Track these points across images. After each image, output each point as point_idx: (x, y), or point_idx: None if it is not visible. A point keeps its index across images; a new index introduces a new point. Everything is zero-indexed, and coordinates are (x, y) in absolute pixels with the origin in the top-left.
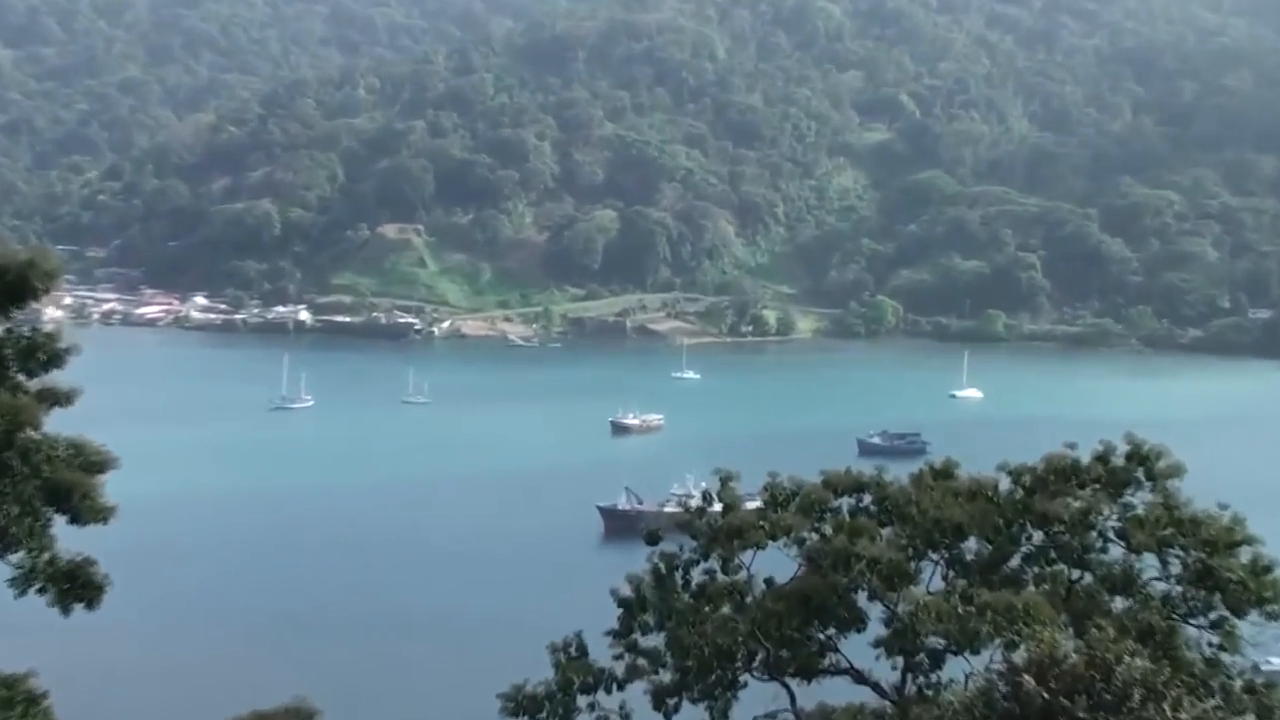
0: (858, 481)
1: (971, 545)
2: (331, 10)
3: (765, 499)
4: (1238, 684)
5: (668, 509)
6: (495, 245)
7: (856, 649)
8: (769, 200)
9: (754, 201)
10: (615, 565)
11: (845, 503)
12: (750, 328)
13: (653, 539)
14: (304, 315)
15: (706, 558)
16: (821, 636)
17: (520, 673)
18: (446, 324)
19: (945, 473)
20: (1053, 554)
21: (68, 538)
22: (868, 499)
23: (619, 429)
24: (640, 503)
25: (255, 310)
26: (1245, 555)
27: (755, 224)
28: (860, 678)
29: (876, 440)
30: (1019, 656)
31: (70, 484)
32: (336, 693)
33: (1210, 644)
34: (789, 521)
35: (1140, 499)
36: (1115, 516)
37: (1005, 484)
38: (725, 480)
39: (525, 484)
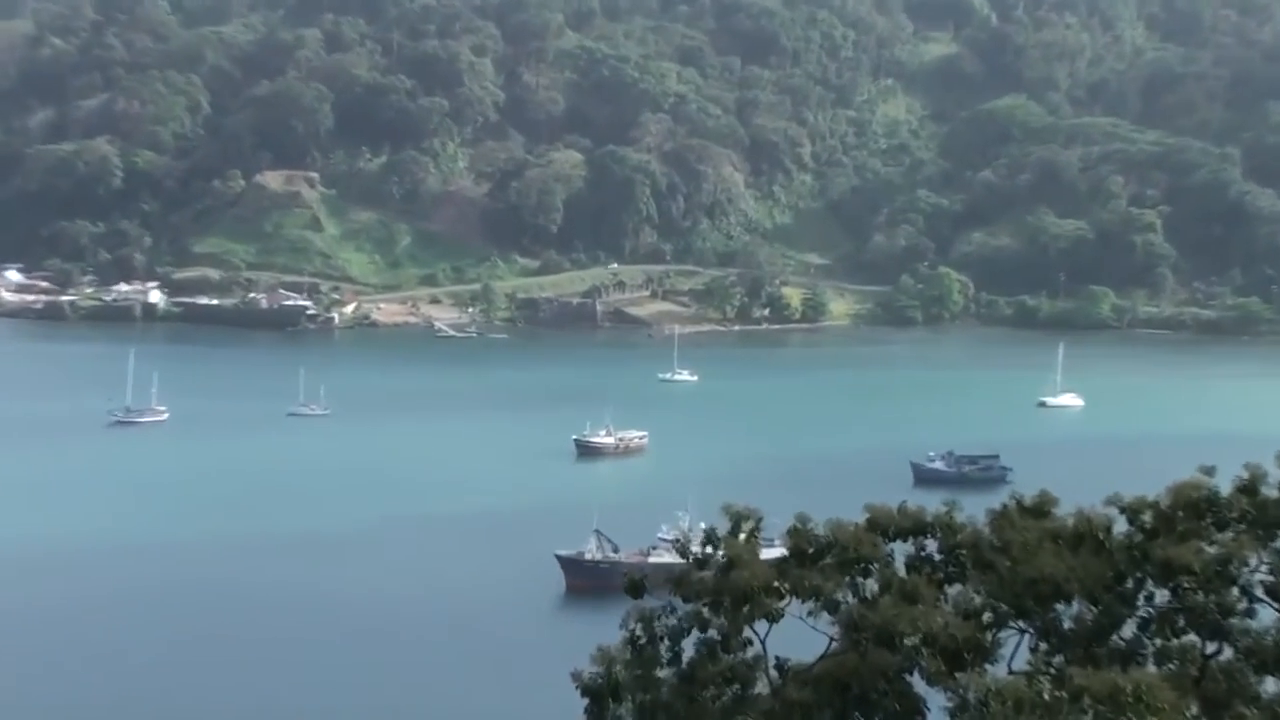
0: (915, 522)
1: (1070, 608)
2: None
3: (789, 547)
4: None
5: (653, 559)
6: (417, 200)
7: None
8: (791, 138)
9: (769, 140)
10: (581, 635)
11: (898, 552)
12: (766, 311)
13: (635, 589)
14: (155, 296)
15: (704, 627)
16: None
17: None
18: (351, 308)
19: (1037, 510)
20: (1180, 619)
21: None
22: (929, 546)
23: (587, 451)
24: (615, 550)
25: (89, 290)
26: None
27: (772, 170)
28: None
29: (939, 465)
30: None
31: None
32: None
33: None
34: (818, 580)
35: None
36: (1266, 567)
37: (1118, 525)
38: (738, 520)
39: (461, 528)
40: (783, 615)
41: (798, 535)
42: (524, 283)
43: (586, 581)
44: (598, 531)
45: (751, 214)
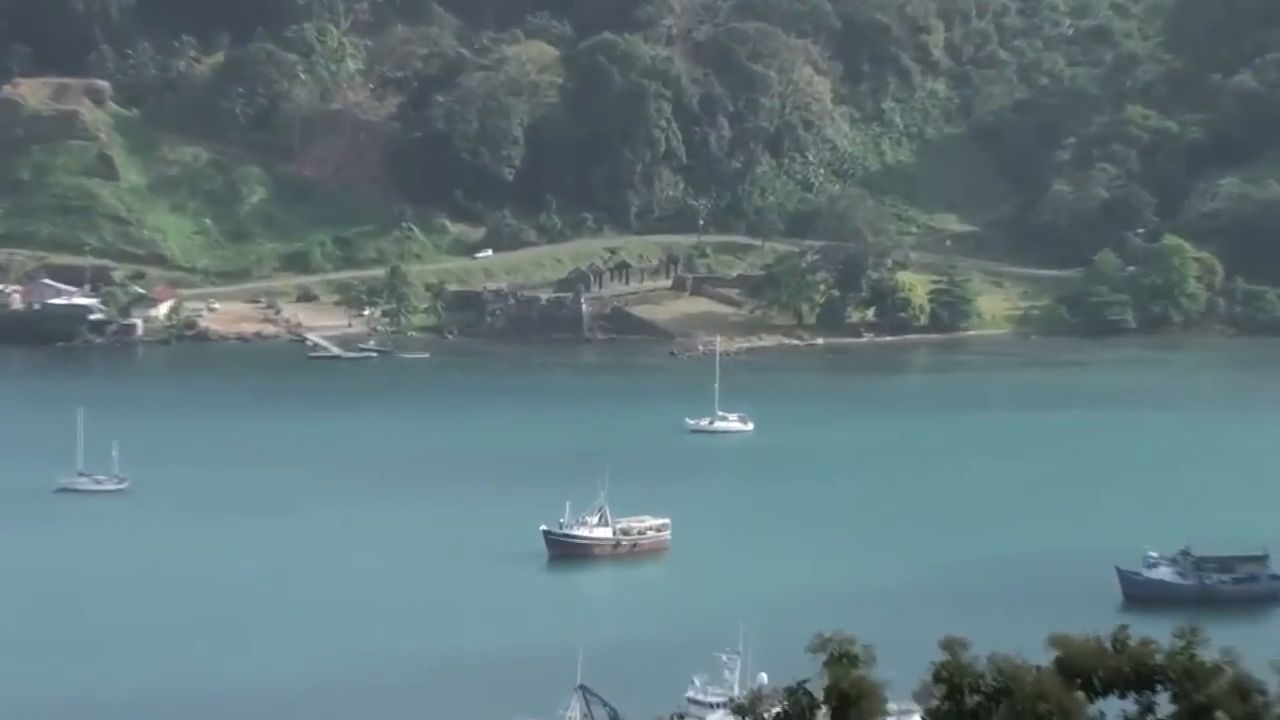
0: (1136, 665)
1: None
2: None
3: (934, 691)
4: None
5: None
6: (275, 127)
7: None
8: (910, 19)
9: (874, 22)
10: None
11: (1109, 715)
12: (869, 314)
13: None
14: None
15: None
16: None
17: None
18: (165, 309)
19: None
20: None
21: None
22: (1158, 703)
23: (565, 549)
24: (614, 718)
25: None
26: None
27: (880, 74)
28: None
29: (1166, 572)
30: None
31: None
32: None
33: None
34: None
35: None
36: None
37: None
38: (841, 660)
39: (349, 704)
40: None
41: (951, 670)
42: (458, 267)
43: None
44: (583, 689)
45: (845, 148)
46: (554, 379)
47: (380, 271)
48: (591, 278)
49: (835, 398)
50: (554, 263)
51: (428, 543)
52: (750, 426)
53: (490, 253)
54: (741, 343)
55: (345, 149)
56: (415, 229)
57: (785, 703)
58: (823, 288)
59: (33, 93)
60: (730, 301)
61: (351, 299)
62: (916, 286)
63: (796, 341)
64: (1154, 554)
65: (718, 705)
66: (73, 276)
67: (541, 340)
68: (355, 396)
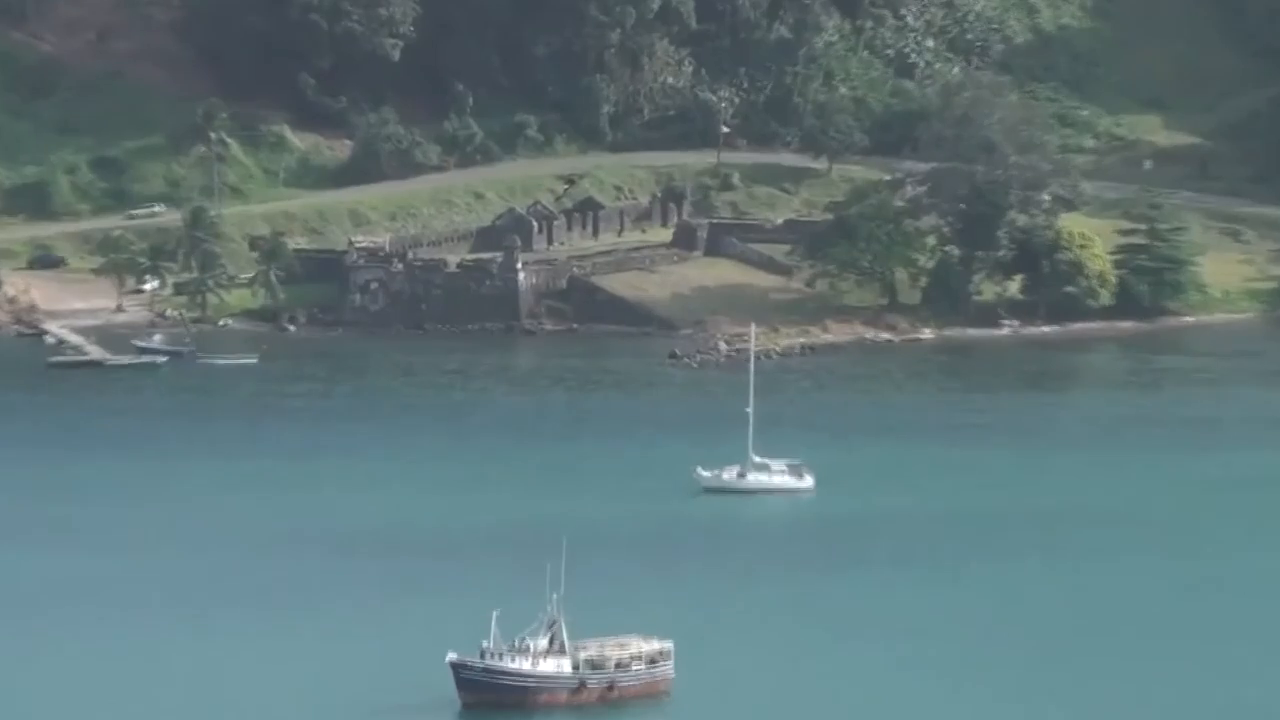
0: None
1: None
2: None
3: None
4: None
5: None
6: None
7: None
8: None
9: None
10: None
11: None
12: (1014, 286)
13: None
14: None
15: None
16: None
17: None
18: None
19: None
20: None
21: None
22: None
23: (489, 694)
24: None
25: None
26: None
27: None
28: None
29: None
30: None
31: None
32: None
33: None
34: None
35: None
36: None
37: None
38: None
39: None
40: None
41: None
42: (307, 207)
43: None
44: None
45: (971, 3)
46: (472, 400)
47: (172, 217)
48: (535, 226)
49: (954, 432)
50: (470, 201)
51: (245, 696)
52: (807, 482)
53: (362, 186)
54: (793, 337)
55: (114, 5)
56: (232, 143)
57: None
58: (933, 242)
59: None
60: (773, 267)
61: (123, 264)
62: (1094, 241)
63: (887, 335)
64: None
65: None
66: None
67: (450, 332)
68: (127, 433)
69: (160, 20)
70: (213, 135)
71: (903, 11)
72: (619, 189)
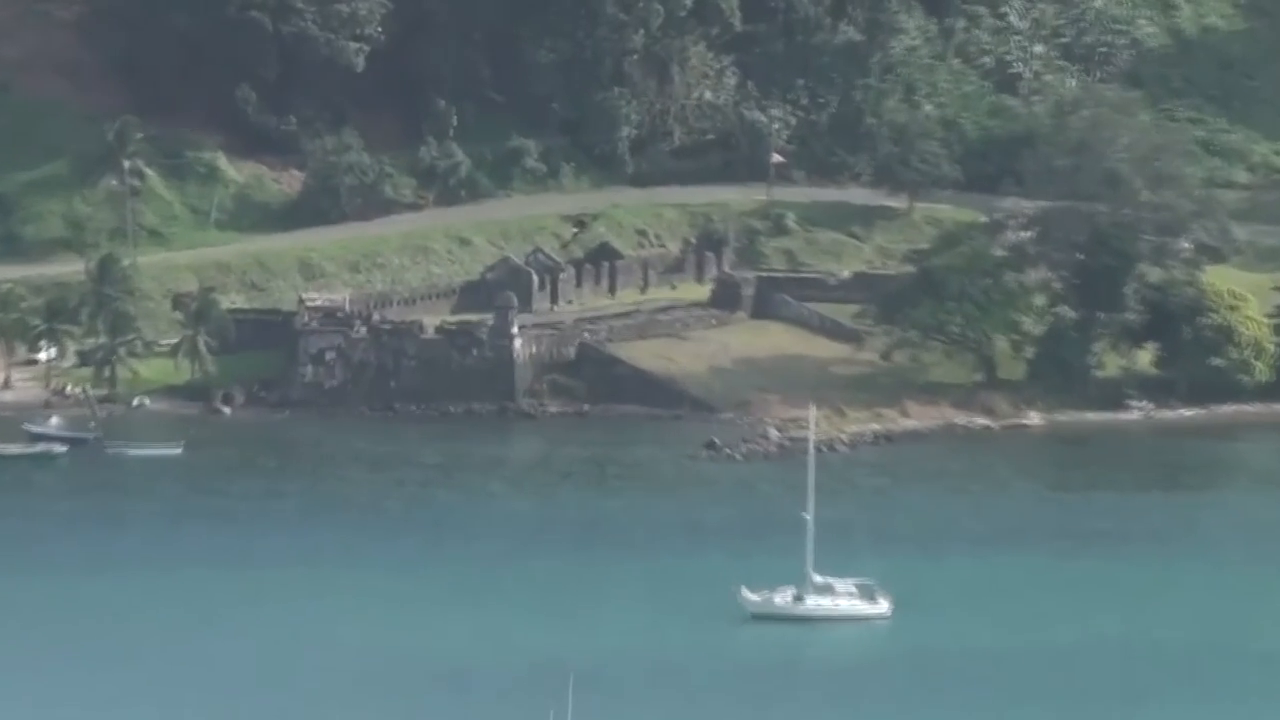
0: None
1: None
2: None
3: None
4: None
5: None
6: None
7: None
8: None
9: None
10: None
11: None
12: (1146, 358)
13: None
14: None
15: None
16: None
17: None
18: None
19: None
20: None
21: None
22: None
23: None
24: None
25: None
26: None
27: None
28: None
29: None
30: None
31: None
32: None
33: None
34: None
35: None
36: None
37: None
38: None
39: None
40: None
41: None
42: (244, 255)
43: None
44: None
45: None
46: (458, 502)
47: (74, 268)
48: (536, 280)
49: (1069, 542)
50: (453, 248)
51: None
52: (882, 607)
53: (316, 229)
54: (863, 423)
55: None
56: (151, 174)
57: None
58: (1042, 302)
59: None
60: (838, 333)
61: (11, 327)
62: (1248, 301)
63: (984, 420)
64: None
65: None
66: None
67: (428, 416)
68: (14, 542)
69: (60, 19)
70: (126, 163)
71: (1004, 9)
72: (642, 233)
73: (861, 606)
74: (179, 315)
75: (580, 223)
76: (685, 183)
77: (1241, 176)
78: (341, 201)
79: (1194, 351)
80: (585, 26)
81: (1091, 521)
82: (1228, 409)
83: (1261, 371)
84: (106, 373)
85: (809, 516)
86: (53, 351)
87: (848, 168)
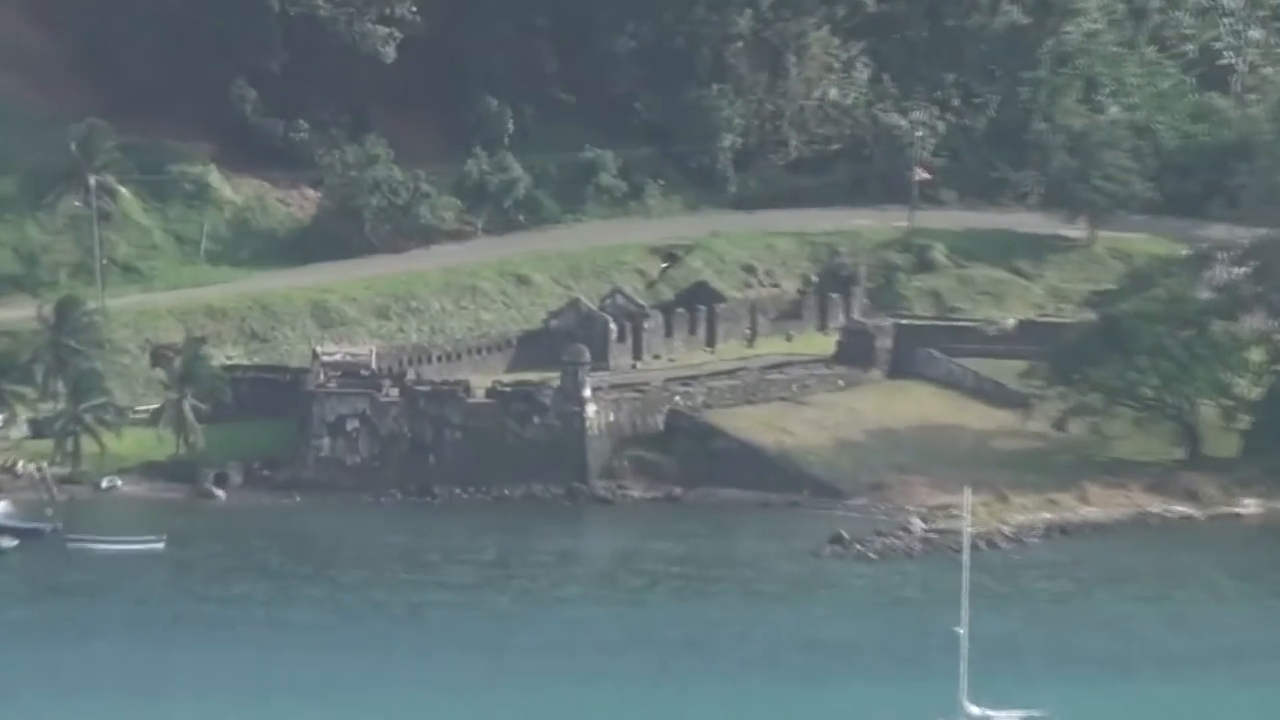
0: None
1: None
2: None
3: None
4: None
5: None
6: None
7: None
8: None
9: None
10: None
11: None
12: None
13: None
14: None
15: None
16: None
17: None
18: None
19: None
20: None
21: None
22: None
23: None
24: None
25: None
26: None
27: None
28: None
29: None
30: None
31: None
32: None
33: None
34: None
35: None
36: None
37: None
38: None
39: None
40: None
41: None
42: (243, 296)
43: None
44: None
45: None
46: (519, 610)
47: (25, 312)
48: (614, 330)
49: None
50: (509, 288)
51: None
52: None
53: (335, 263)
54: (1032, 511)
55: None
56: (124, 192)
57: None
58: (1261, 358)
59: None
60: (1000, 397)
61: None
62: None
63: (1185, 508)
64: None
65: None
66: None
67: (477, 501)
68: None
69: (13, 2)
70: (93, 180)
71: None
72: (749, 270)
73: None
74: (160, 373)
75: (670, 256)
76: (804, 205)
77: None
78: (366, 229)
79: None
80: (675, 8)
81: None
82: None
83: None
84: (68, 446)
85: (963, 631)
86: (1, 419)
87: (1011, 186)
